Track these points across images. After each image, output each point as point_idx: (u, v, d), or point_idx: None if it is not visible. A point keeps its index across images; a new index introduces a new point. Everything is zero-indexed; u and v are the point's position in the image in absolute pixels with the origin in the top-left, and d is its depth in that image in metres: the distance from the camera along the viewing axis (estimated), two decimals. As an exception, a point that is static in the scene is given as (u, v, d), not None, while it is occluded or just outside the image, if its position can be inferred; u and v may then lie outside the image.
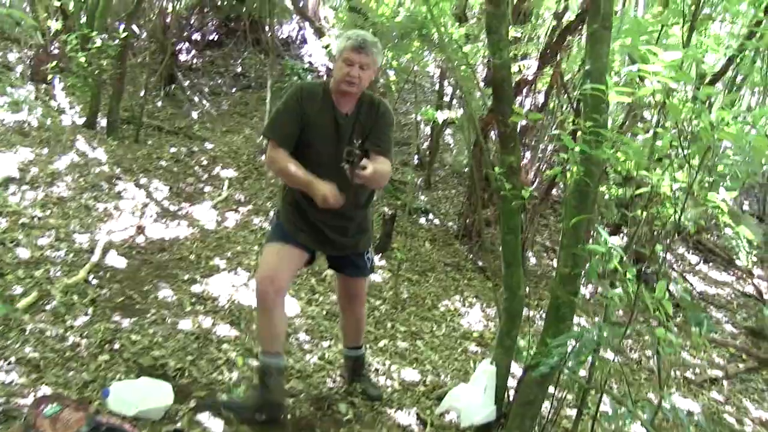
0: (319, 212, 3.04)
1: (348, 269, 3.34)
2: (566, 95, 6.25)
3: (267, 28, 9.67)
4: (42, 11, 7.62)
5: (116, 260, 4.74)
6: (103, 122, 7.72)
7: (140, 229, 5.33)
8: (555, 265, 7.08)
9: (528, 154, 6.45)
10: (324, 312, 4.61)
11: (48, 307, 3.83)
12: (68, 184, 5.90)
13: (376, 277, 5.48)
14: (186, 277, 4.66)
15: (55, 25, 8.20)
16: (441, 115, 5.41)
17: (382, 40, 6.34)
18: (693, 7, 2.61)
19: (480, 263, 6.55)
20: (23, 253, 4.47)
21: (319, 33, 8.64)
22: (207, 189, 6.65)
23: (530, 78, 5.80)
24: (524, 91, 5.97)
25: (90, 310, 3.92)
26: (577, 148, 2.60)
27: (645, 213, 2.64)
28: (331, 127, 3.02)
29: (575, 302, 2.76)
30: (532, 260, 7.08)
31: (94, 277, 4.38)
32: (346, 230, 3.16)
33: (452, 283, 6.01)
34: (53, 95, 8.36)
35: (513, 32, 5.85)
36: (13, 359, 3.23)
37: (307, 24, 11.09)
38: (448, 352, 4.59)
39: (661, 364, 2.12)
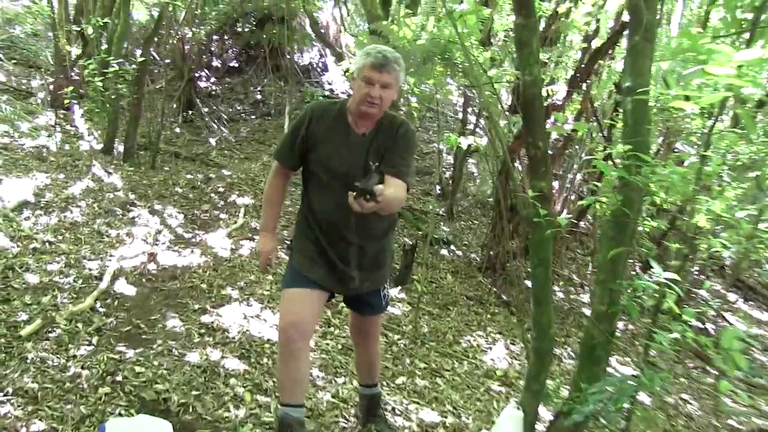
0: (331, 241, 2.86)
1: (362, 307, 3.13)
2: (596, 121, 6.04)
3: (287, 54, 9.61)
4: (62, 37, 7.60)
5: (125, 288, 4.57)
6: (120, 148, 7.64)
7: (152, 256, 5.16)
8: (583, 300, 6.85)
9: (555, 184, 6.22)
10: (339, 346, 4.38)
11: (51, 335, 3.67)
12: (82, 209, 5.78)
13: (394, 310, 5.26)
14: (196, 306, 4.47)
15: (75, 51, 8.19)
16: (465, 141, 5.22)
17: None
18: (756, 13, 2.38)
19: (504, 297, 6.29)
20: (32, 278, 4.32)
21: (340, 58, 8.54)
22: (222, 216, 6.50)
23: (558, 103, 5.60)
24: (552, 117, 5.77)
25: (94, 340, 3.75)
26: (614, 174, 2.38)
27: (687, 246, 2.41)
28: (344, 146, 2.82)
29: (612, 343, 2.52)
30: (559, 295, 6.81)
31: (101, 305, 4.21)
32: (360, 263, 2.93)
33: (475, 318, 5.76)
34: (72, 121, 8.33)
35: (540, 56, 5.67)
36: (10, 390, 3.07)
37: (328, 51, 11.04)
38: (470, 391, 4.33)
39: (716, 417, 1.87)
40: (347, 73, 7.69)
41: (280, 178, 3.02)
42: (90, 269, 4.68)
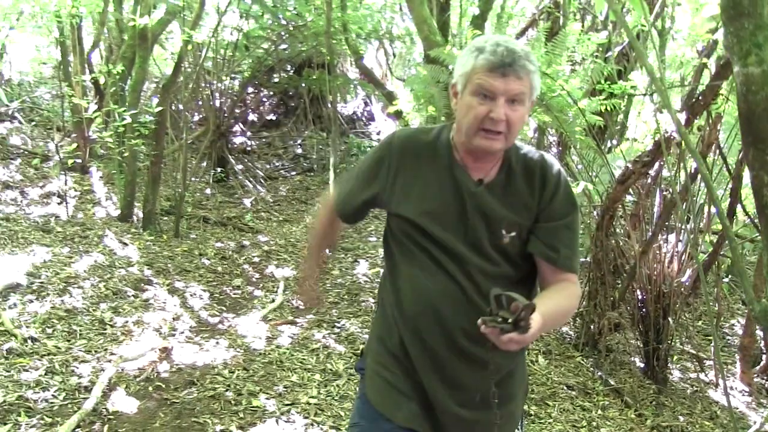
0: (434, 358, 1.65)
1: None
2: (720, 155, 4.76)
3: (329, 103, 8.58)
4: (75, 90, 6.63)
5: (123, 402, 3.39)
6: (141, 214, 6.60)
7: (165, 352, 4.00)
8: (706, 379, 5.46)
9: (671, 237, 4.91)
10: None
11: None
12: (85, 291, 4.70)
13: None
14: (218, 428, 3.25)
15: (93, 106, 7.27)
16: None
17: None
18: None
19: (612, 383, 4.92)
20: (-7, 396, 3.20)
21: (391, 99, 7.46)
22: (257, 294, 5.31)
23: (674, 137, 4.34)
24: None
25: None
26: None
27: None
28: (452, 202, 1.64)
29: None
30: (676, 374, 5.40)
31: (83, 434, 3.03)
32: (482, 394, 1.68)
33: (583, 416, 4.40)
34: (91, 185, 7.38)
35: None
36: None
37: (373, 99, 10.02)
38: None
39: None
40: (402, 117, 6.55)
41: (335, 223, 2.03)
42: (80, 376, 3.55)
